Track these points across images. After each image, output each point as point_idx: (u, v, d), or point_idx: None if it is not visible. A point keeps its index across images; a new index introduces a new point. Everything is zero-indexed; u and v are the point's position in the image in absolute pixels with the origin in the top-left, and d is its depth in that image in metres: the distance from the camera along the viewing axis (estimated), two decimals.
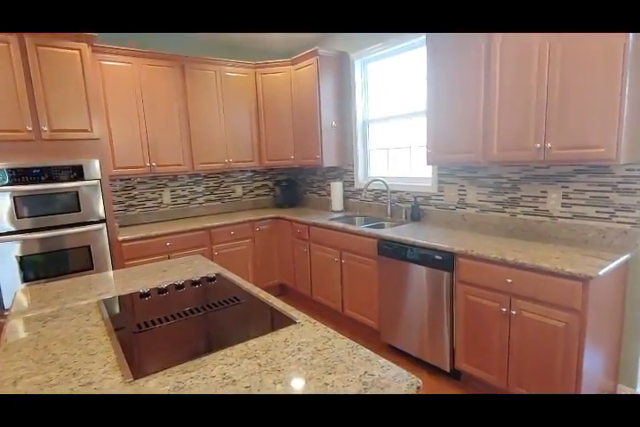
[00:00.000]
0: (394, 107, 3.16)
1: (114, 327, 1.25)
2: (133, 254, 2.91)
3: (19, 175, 2.49)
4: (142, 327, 1.24)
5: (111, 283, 1.74)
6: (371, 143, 3.42)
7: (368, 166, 3.46)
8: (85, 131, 2.67)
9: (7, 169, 2.46)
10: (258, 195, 4.12)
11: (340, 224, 2.85)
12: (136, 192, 3.42)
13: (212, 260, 3.26)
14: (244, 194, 4.03)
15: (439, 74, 2.27)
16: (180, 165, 3.31)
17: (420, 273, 2.25)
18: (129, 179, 3.36)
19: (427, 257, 2.17)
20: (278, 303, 1.37)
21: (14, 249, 2.51)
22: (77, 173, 2.66)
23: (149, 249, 2.97)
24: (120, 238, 2.85)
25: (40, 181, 2.55)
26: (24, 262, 2.55)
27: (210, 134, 3.44)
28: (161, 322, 1.26)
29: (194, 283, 1.64)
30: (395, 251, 2.35)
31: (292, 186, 4.02)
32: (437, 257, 2.11)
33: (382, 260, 2.47)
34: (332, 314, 3.10)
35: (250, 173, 4.04)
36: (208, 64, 3.35)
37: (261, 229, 3.51)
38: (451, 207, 2.71)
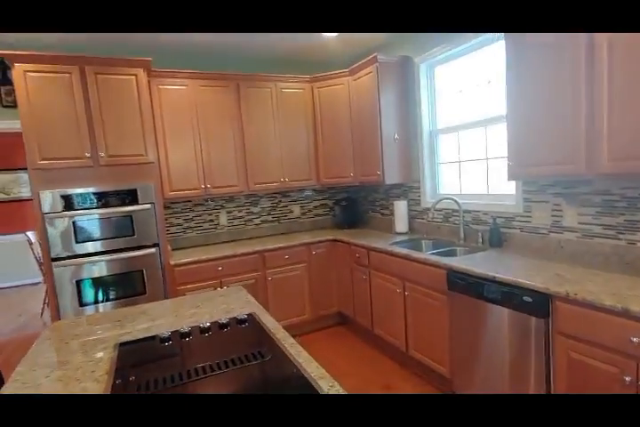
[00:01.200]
0: (465, 114, 2.74)
1: (112, 383, 1.04)
2: (186, 279, 2.82)
3: (77, 201, 2.53)
4: (142, 388, 1.01)
5: (139, 320, 1.57)
6: (439, 156, 3.01)
7: (437, 183, 3.05)
8: (140, 155, 2.66)
9: (66, 195, 2.50)
10: (317, 215, 3.89)
11: (402, 250, 2.47)
12: (193, 214, 3.38)
13: (265, 285, 3.06)
14: (303, 214, 3.82)
15: (522, 73, 1.85)
16: (234, 185, 3.21)
17: (501, 316, 1.79)
18: (188, 201, 3.34)
19: (511, 297, 1.72)
20: (309, 365, 1.07)
21: (73, 273, 2.53)
22: (132, 197, 2.65)
23: (201, 274, 2.86)
24: (172, 263, 2.77)
25: (97, 206, 2.57)
26: (81, 287, 2.56)
27: (265, 153, 3.30)
28: (165, 383, 1.03)
29: (221, 326, 1.41)
30: (469, 286, 1.93)
31: (352, 205, 3.73)
32: (526, 298, 1.66)
33: (453, 296, 2.05)
34: (396, 352, 2.70)
35: (308, 193, 3.83)
36: (263, 81, 3.25)
37: (318, 253, 3.25)
38: (542, 231, 2.20)
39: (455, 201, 2.63)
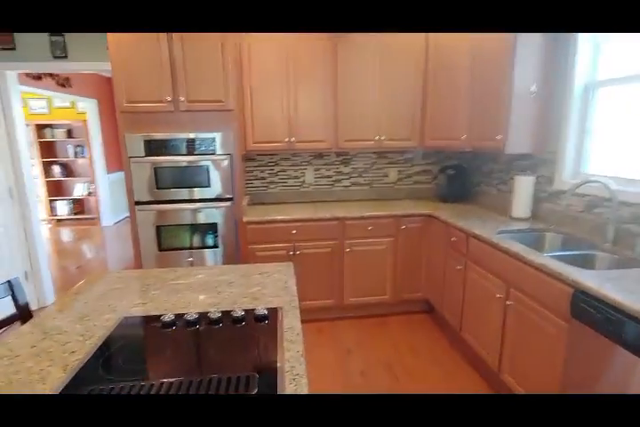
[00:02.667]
0: None
1: (75, 374, 0.85)
2: (257, 238, 2.65)
3: (158, 146, 2.46)
4: (95, 390, 0.79)
5: (164, 288, 1.40)
6: (593, 121, 2.15)
7: (583, 158, 2.22)
8: (219, 102, 2.44)
9: (148, 140, 2.45)
10: (416, 182, 3.32)
11: (512, 245, 1.85)
12: (278, 169, 3.14)
13: (342, 257, 2.74)
14: (399, 180, 3.30)
15: None
16: (322, 141, 2.83)
17: None
18: (274, 154, 3.10)
19: None
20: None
21: (153, 218, 2.55)
22: (210, 146, 2.49)
23: (274, 235, 2.66)
24: (245, 220, 2.61)
25: (176, 153, 2.48)
26: (160, 232, 2.58)
27: (360, 107, 2.81)
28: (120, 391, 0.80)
29: (235, 320, 1.13)
30: (604, 321, 1.29)
31: (461, 175, 3.07)
32: None
33: (577, 327, 1.43)
34: (484, 368, 2.18)
35: (410, 155, 3.26)
36: None
37: (408, 228, 2.76)
38: None
39: (607, 186, 1.85)
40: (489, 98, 2.41)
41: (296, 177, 3.17)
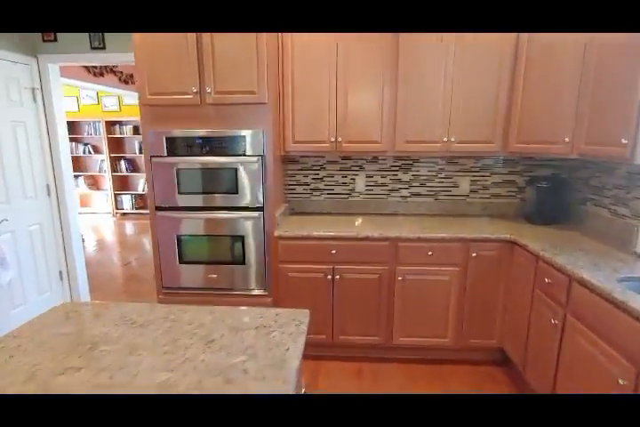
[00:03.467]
0: None
1: None
2: (290, 256, 2.22)
3: (181, 145, 2.13)
4: None
5: (114, 346, 1.00)
6: None
7: None
8: (251, 93, 2.04)
9: (171, 137, 2.13)
10: (495, 195, 2.66)
11: None
12: (324, 173, 2.68)
13: (393, 286, 2.21)
14: (473, 192, 2.66)
15: None
16: (375, 142, 2.32)
17: None
18: (320, 156, 2.64)
19: None
20: None
21: (174, 226, 2.24)
22: (239, 146, 2.10)
23: (310, 253, 2.21)
24: (276, 234, 2.19)
25: (200, 153, 2.13)
26: (181, 242, 2.26)
27: (425, 105, 2.25)
28: None
29: None
30: None
31: (558, 189, 2.36)
32: None
33: None
34: None
35: (489, 161, 2.61)
36: None
37: (481, 256, 2.15)
38: None
39: None
40: (611, 92, 1.72)
41: (345, 184, 2.68)
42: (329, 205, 2.71)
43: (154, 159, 2.15)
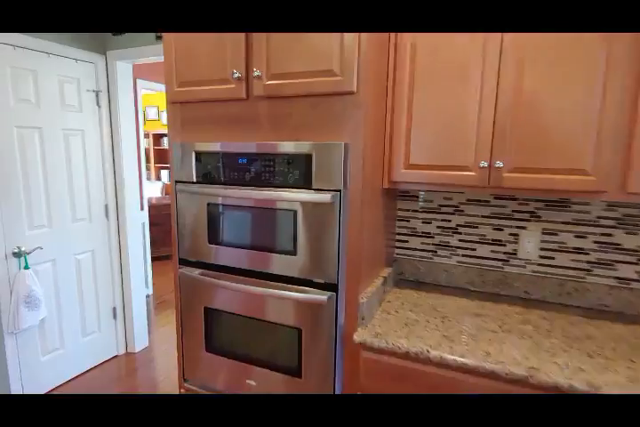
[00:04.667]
0: None
1: None
2: (377, 377, 1.18)
3: (215, 165, 1.31)
4: None
5: None
6: None
7: None
8: (328, 73, 1.08)
9: (199, 153, 1.32)
10: None
11: None
12: (462, 220, 1.55)
13: None
14: None
15: None
16: (580, 173, 1.10)
17: None
18: (454, 192, 1.52)
19: None
20: None
21: (201, 293, 1.42)
22: (300, 170, 1.17)
23: (413, 381, 1.13)
24: (357, 338, 1.18)
25: (244, 181, 1.26)
26: (209, 319, 1.43)
27: None
28: None
29: None
30: None
31: None
32: None
33: None
34: None
35: None
36: None
37: None
38: None
39: None
40: None
41: (499, 242, 1.50)
42: (466, 274, 1.56)
43: (179, 186, 1.37)
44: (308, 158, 1.14)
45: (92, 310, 2.35)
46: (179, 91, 1.32)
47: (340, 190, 1.12)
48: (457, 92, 1.19)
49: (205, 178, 1.32)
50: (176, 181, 1.39)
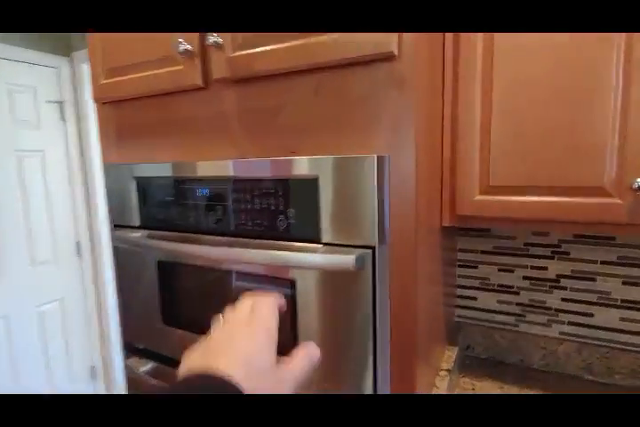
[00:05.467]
0: None
1: None
2: None
3: (165, 200, 0.80)
4: None
5: None
6: None
7: None
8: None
9: (144, 178, 0.82)
10: None
11: None
12: (563, 268, 0.98)
13: None
14: None
15: None
16: None
17: None
18: (562, 222, 0.96)
19: None
20: None
21: None
22: (303, 209, 0.64)
23: None
24: None
25: (209, 228, 0.75)
26: None
27: None
28: None
29: None
30: None
31: None
32: None
33: None
34: None
35: None
36: None
37: None
38: None
39: None
40: None
41: (634, 303, 0.92)
42: (579, 355, 0.98)
43: (117, 232, 0.87)
44: (311, 187, 0.61)
45: (63, 372, 1.88)
46: (106, 83, 0.83)
47: (373, 247, 0.59)
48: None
49: (152, 221, 0.82)
50: (115, 226, 0.89)
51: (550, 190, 0.70)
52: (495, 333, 1.06)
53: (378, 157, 0.56)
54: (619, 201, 0.66)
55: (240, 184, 0.68)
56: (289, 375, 0.31)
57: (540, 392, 0.91)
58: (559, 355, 0.99)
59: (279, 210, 0.65)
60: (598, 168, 0.66)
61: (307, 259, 0.61)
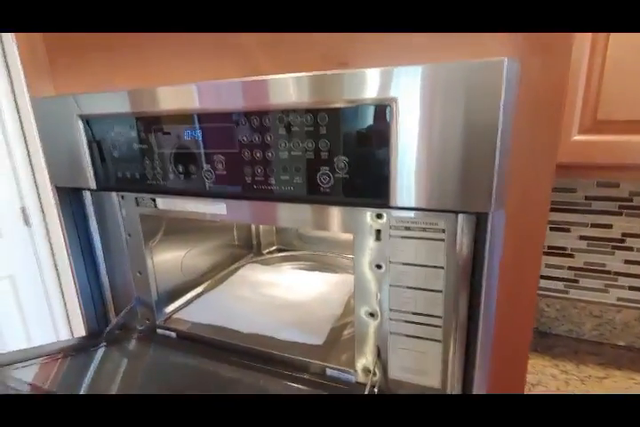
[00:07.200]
0: None
1: None
2: None
3: (133, 151, 0.53)
4: None
5: None
6: None
7: None
8: None
9: (97, 117, 0.54)
10: None
11: None
12: (631, 226, 0.82)
13: None
14: None
15: None
16: None
17: None
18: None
19: None
20: None
21: None
22: (361, 156, 0.40)
23: None
24: None
25: (193, 190, 0.50)
26: None
27: None
28: None
29: None
30: None
31: None
32: None
33: None
34: None
35: None
36: None
37: None
38: None
39: None
40: None
41: None
42: (637, 323, 0.85)
43: (62, 196, 0.61)
44: (381, 118, 0.38)
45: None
46: None
47: (487, 212, 0.37)
48: None
49: (115, 181, 0.56)
50: (56, 187, 0.62)
51: None
52: (541, 300, 0.92)
53: (508, 60, 0.33)
54: None
55: (254, 119, 0.43)
56: None
57: (595, 370, 0.78)
58: (616, 324, 0.87)
59: (322, 159, 0.42)
60: None
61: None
